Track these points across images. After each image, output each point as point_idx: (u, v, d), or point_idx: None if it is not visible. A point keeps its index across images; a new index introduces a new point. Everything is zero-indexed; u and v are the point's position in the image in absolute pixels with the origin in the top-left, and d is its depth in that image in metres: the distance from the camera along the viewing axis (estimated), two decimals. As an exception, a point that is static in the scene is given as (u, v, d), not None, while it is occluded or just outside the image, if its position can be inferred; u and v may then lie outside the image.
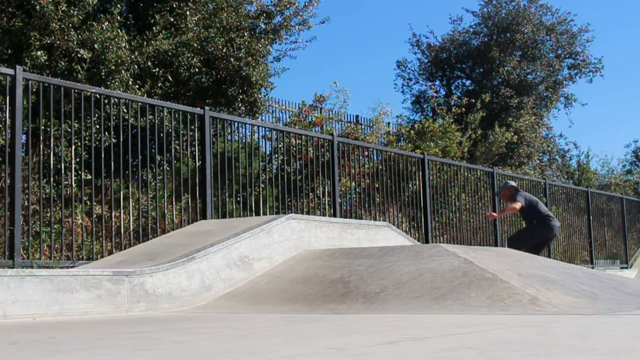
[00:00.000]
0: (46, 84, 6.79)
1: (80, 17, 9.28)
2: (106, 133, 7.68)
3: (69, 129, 7.99)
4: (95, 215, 7.10)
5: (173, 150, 8.12)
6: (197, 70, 10.69)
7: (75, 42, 9.15)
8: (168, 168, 8.20)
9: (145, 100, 7.95)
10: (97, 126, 7.73)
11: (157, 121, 8.06)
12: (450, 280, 5.87)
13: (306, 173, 10.22)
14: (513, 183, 10.76)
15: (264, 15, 11.83)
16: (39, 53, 8.85)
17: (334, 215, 9.55)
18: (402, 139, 15.88)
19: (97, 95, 7.24)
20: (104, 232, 7.11)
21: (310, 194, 10.14)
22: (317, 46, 58.73)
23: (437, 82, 23.72)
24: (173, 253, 6.39)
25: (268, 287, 6.42)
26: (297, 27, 12.19)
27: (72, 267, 6.40)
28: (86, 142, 8.21)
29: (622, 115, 55.55)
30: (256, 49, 11.10)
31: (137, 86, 9.68)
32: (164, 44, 10.01)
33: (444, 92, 23.02)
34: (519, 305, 5.14)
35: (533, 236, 10.62)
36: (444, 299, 5.53)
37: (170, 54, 10.33)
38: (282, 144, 10.50)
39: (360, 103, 54.87)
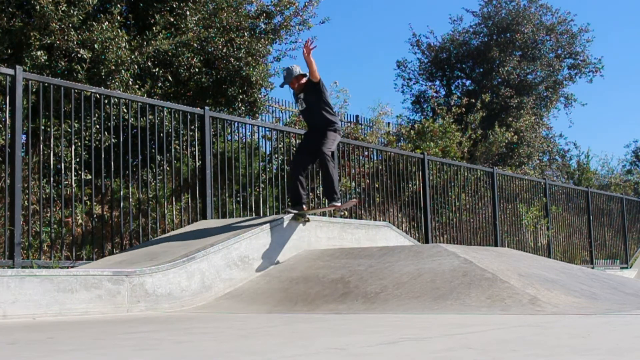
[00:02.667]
0: (46, 84, 6.79)
1: (80, 17, 9.28)
2: (106, 133, 7.68)
3: (69, 129, 7.99)
4: (95, 215, 7.10)
5: (173, 150, 8.12)
6: (197, 70, 10.69)
7: (75, 42, 9.15)
8: (168, 168, 8.20)
9: (145, 100, 7.95)
10: (97, 126, 7.73)
11: (157, 121, 8.05)
12: (450, 280, 5.87)
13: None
14: (300, 69, 7.38)
15: (264, 15, 11.83)
16: (39, 53, 8.85)
17: (334, 215, 9.54)
18: (402, 139, 15.88)
19: (97, 95, 7.24)
20: (103, 232, 7.10)
21: (311, 194, 10.14)
22: (317, 46, 58.70)
23: (437, 82, 23.73)
24: (173, 253, 6.39)
25: (268, 287, 6.42)
26: (297, 27, 12.20)
27: (72, 267, 6.40)
28: (86, 142, 8.21)
29: (622, 115, 55.55)
30: (256, 49, 11.10)
31: (137, 86, 9.68)
32: (164, 44, 10.01)
33: (444, 92, 23.03)
34: (519, 305, 5.14)
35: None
36: (444, 299, 5.53)
37: (170, 54, 10.33)
38: (282, 144, 10.50)
39: (360, 103, 54.85)
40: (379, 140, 15.82)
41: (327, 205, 7.55)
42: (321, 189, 7.31)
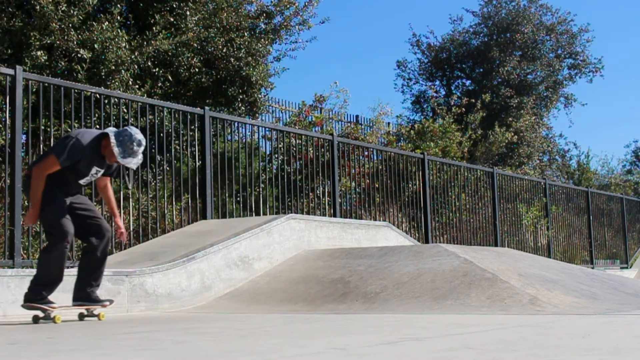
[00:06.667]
0: (46, 84, 6.79)
1: (80, 17, 9.28)
2: (106, 133, 7.66)
3: (69, 129, 7.99)
4: (95, 215, 7.08)
5: (173, 150, 8.12)
6: (197, 70, 10.68)
7: (75, 42, 9.14)
8: (168, 168, 8.20)
9: (145, 100, 7.95)
10: (97, 126, 7.73)
11: (157, 121, 8.05)
12: (450, 280, 5.87)
13: (306, 173, 10.22)
14: None
15: (264, 15, 11.83)
16: (39, 53, 8.84)
17: (334, 215, 9.54)
18: (402, 139, 15.87)
19: (97, 95, 7.24)
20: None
21: (310, 194, 10.14)
22: (317, 46, 58.66)
23: (437, 82, 23.71)
24: (173, 253, 6.39)
25: (268, 287, 6.42)
26: (297, 27, 12.19)
27: (72, 267, 6.40)
28: (86, 142, 8.19)
29: (622, 115, 55.46)
30: (256, 49, 11.09)
31: (137, 86, 9.67)
32: (164, 44, 10.00)
33: (444, 92, 23.01)
34: (519, 305, 5.14)
35: None
36: (444, 299, 5.53)
37: (170, 54, 10.32)
38: (282, 144, 10.50)
39: (360, 103, 54.79)
40: (379, 140, 15.81)
41: (95, 303, 5.17)
42: (78, 280, 5.22)
